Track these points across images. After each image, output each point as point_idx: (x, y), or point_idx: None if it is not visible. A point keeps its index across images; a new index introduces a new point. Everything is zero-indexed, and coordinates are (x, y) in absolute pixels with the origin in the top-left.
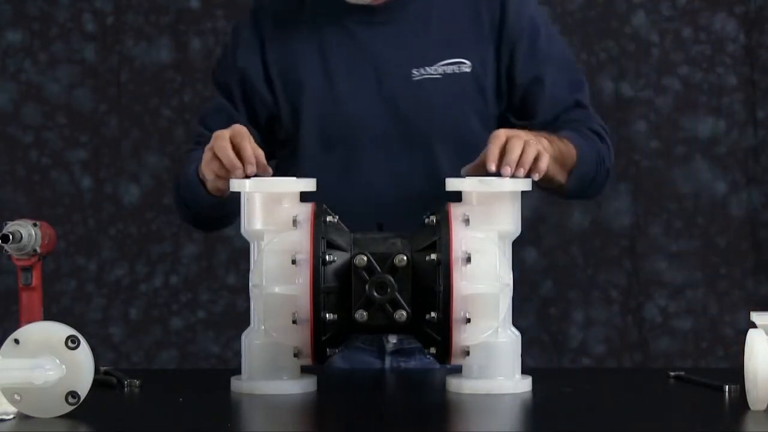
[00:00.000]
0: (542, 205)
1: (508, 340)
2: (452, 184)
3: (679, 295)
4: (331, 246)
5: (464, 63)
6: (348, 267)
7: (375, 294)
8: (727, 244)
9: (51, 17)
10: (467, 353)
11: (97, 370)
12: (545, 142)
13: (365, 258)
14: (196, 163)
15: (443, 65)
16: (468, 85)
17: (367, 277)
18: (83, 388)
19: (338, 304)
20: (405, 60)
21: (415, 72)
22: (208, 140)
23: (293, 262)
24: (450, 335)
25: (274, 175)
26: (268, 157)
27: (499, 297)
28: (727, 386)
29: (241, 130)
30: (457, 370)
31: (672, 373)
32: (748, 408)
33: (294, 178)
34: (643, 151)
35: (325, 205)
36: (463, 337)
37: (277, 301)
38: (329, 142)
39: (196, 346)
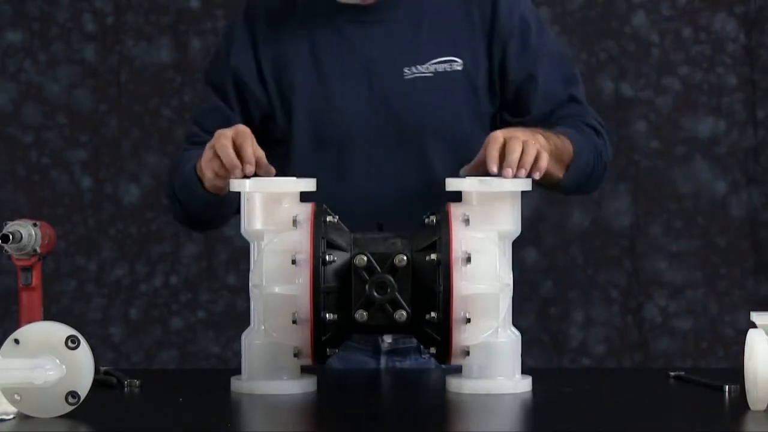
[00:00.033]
0: (542, 205)
1: (508, 340)
2: (452, 184)
3: (679, 295)
4: (331, 246)
5: (456, 61)
6: (348, 267)
7: (375, 294)
8: (727, 244)
9: (51, 17)
10: (467, 353)
11: (97, 370)
12: (542, 138)
13: (365, 258)
14: (194, 161)
15: (435, 64)
16: (460, 83)
17: (367, 277)
18: (83, 388)
19: (338, 304)
20: (397, 59)
21: (406, 71)
22: (203, 140)
23: (293, 262)
24: (450, 335)
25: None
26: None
27: (499, 297)
28: (727, 386)
29: (244, 131)
30: (454, 370)
31: (672, 373)
32: (748, 408)
33: (294, 178)
34: (643, 151)
35: (325, 205)
36: (463, 337)
37: (277, 301)
38: (322, 141)
39: (196, 346)
